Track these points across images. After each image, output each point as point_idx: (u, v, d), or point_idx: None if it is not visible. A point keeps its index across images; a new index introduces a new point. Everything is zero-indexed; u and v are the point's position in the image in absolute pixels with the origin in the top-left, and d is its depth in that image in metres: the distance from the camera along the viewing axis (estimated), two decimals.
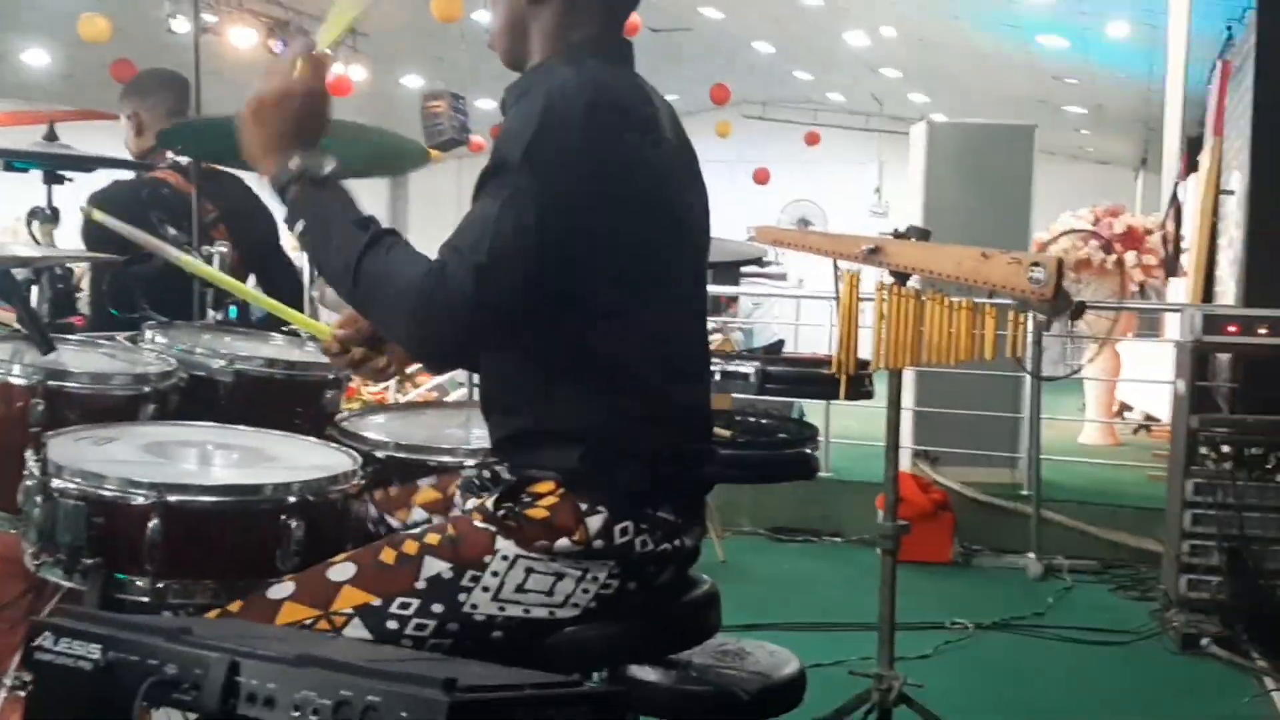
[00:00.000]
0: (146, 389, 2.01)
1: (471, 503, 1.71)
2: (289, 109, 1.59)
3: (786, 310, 10.70)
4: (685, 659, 2.10)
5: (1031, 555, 5.37)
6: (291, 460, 1.85)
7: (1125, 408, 8.83)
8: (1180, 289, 7.62)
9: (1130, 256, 7.69)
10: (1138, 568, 5.31)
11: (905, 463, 6.40)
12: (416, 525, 1.81)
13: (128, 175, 3.16)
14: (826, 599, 4.81)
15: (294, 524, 1.62)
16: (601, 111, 1.55)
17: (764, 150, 18.15)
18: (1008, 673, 4.11)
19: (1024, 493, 5.74)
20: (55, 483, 1.59)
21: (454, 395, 6.83)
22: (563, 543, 1.58)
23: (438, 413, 2.42)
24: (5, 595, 1.93)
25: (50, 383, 1.93)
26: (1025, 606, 4.77)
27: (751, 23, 13.83)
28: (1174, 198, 7.95)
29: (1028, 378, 5.65)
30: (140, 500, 1.58)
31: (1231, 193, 6.04)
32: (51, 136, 2.52)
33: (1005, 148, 6.51)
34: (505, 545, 1.58)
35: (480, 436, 2.22)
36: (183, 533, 1.59)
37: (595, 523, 1.58)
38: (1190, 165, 8.79)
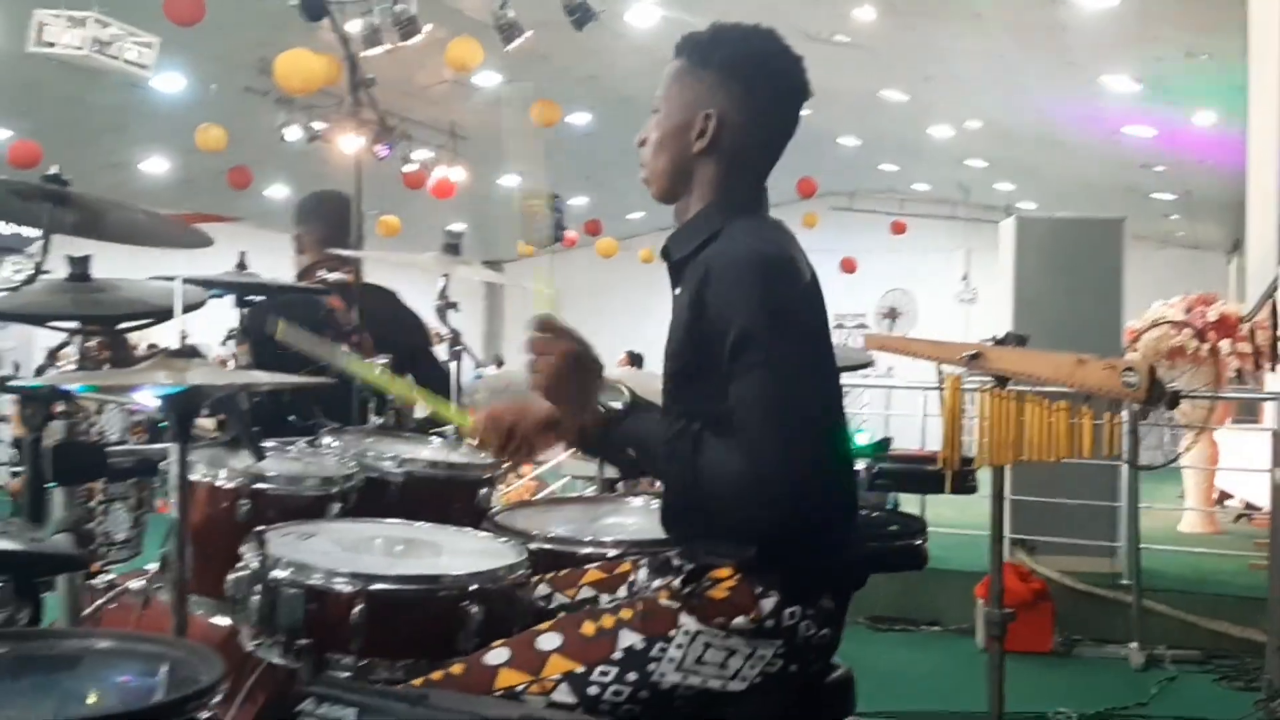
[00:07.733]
0: (334, 489, 2.27)
1: (658, 582, 1.93)
2: (575, 369, 1.83)
3: (875, 398, 10.70)
4: None
5: (1134, 645, 5.36)
6: (463, 551, 2.08)
7: (1225, 495, 8.71)
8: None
9: (1225, 345, 7.67)
10: (1242, 658, 5.27)
11: (1004, 552, 6.41)
12: (588, 602, 2.01)
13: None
14: (929, 689, 4.87)
15: (474, 609, 1.84)
16: (793, 267, 1.79)
17: (851, 239, 18.38)
18: None
19: (1124, 581, 5.73)
20: (274, 573, 1.84)
21: (554, 486, 7.13)
22: (739, 620, 1.74)
23: (577, 508, 2.66)
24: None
25: (254, 485, 2.21)
26: (1129, 696, 4.78)
27: (837, 118, 14.11)
28: (1272, 289, 7.85)
29: (1125, 466, 5.66)
30: (347, 588, 1.80)
31: None
32: (242, 266, 2.84)
33: (1095, 240, 6.56)
34: (688, 621, 1.75)
35: (614, 527, 2.45)
36: (382, 617, 1.80)
37: (768, 604, 1.75)
38: None
